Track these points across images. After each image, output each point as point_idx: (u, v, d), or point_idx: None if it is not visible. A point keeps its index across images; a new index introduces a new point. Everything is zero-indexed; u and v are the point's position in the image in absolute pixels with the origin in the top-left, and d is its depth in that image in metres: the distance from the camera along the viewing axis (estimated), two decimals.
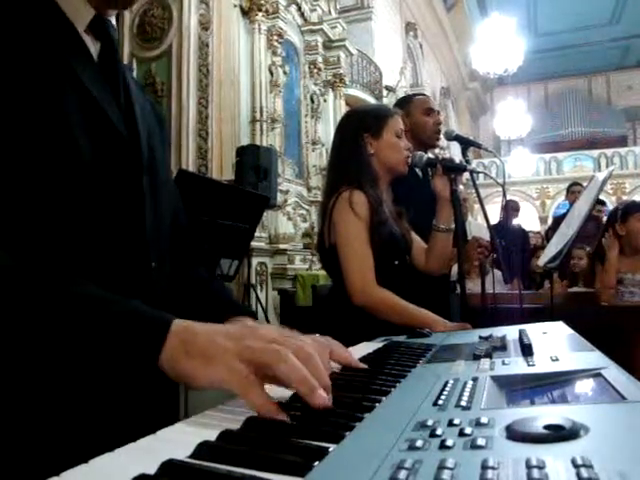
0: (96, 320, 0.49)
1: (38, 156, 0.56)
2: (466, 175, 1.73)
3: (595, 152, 17.92)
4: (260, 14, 6.51)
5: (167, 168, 0.84)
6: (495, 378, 0.55)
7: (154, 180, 0.72)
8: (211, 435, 0.41)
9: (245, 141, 6.14)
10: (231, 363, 0.46)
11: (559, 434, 0.34)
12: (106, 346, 0.49)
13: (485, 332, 0.96)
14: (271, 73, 6.74)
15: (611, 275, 2.83)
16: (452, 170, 1.58)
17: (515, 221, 5.90)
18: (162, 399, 0.66)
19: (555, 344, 0.76)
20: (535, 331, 0.88)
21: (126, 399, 0.60)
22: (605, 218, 3.97)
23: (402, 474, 0.30)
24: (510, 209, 5.57)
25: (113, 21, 0.72)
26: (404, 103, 2.21)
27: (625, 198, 15.65)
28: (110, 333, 0.49)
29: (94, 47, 0.67)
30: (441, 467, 0.31)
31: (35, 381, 0.53)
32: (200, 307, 0.80)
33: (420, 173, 2.08)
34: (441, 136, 2.19)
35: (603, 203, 5.63)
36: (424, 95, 2.33)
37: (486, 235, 1.80)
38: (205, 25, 5.74)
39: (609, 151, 17.72)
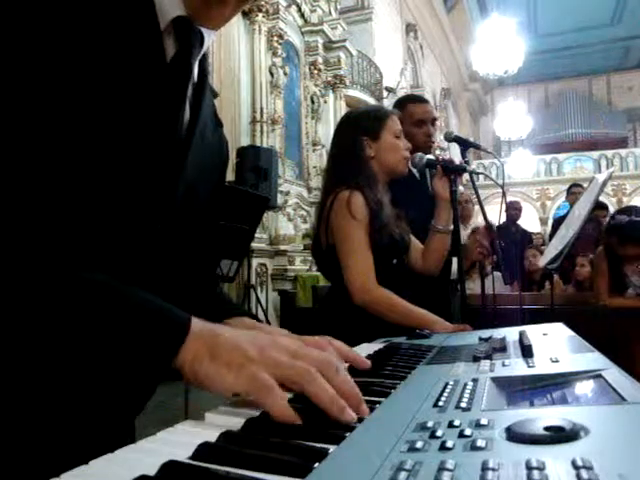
0: (112, 313, 0.48)
1: (74, 144, 0.51)
2: (466, 176, 1.74)
3: (595, 153, 17.94)
4: (260, 15, 6.53)
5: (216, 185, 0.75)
6: (495, 379, 0.55)
7: (193, 192, 0.64)
8: (211, 436, 0.41)
9: (245, 142, 6.16)
10: (254, 373, 0.46)
11: (559, 435, 0.34)
12: (119, 342, 0.47)
13: (485, 333, 0.95)
14: (271, 74, 6.75)
15: (602, 288, 2.87)
16: (452, 171, 1.58)
17: (518, 221, 5.89)
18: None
19: (555, 345, 0.76)
20: (535, 332, 0.88)
21: (126, 400, 0.60)
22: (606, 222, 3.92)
23: (402, 475, 0.30)
24: (512, 210, 5.56)
25: (209, 37, 0.62)
26: (399, 107, 2.17)
27: (625, 200, 15.68)
28: (125, 328, 0.47)
29: (172, 49, 0.58)
30: (441, 468, 0.31)
31: (38, 379, 0.53)
32: (200, 306, 0.79)
33: (417, 174, 2.07)
34: (434, 146, 2.16)
35: (605, 207, 5.52)
36: (420, 101, 2.22)
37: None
38: None
39: (609, 152, 17.73)
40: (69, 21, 0.49)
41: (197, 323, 0.49)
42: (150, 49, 0.55)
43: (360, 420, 0.45)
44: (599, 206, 4.45)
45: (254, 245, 5.33)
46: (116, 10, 0.52)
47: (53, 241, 0.50)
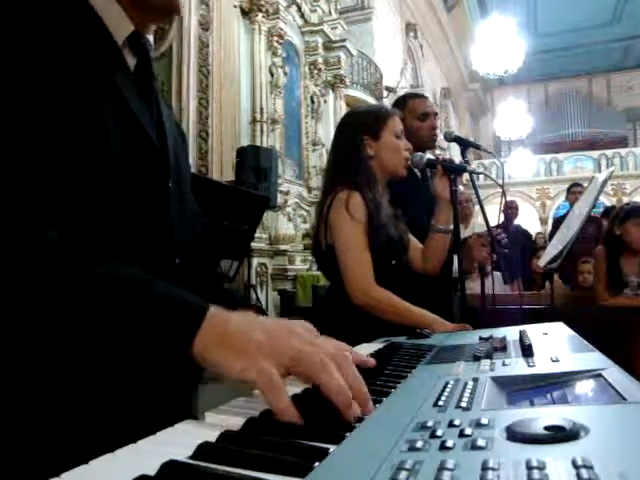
0: (129, 302, 0.49)
1: (72, 157, 0.57)
2: (466, 176, 1.74)
3: (595, 153, 17.93)
4: (260, 15, 6.52)
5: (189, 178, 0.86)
6: (495, 379, 0.55)
7: (180, 186, 0.75)
8: (211, 436, 0.41)
9: (245, 142, 6.15)
10: (262, 363, 0.46)
11: (559, 435, 0.34)
12: (137, 330, 0.48)
13: (485, 333, 0.95)
14: (271, 74, 6.75)
15: (602, 287, 2.87)
16: (452, 171, 1.58)
17: (516, 221, 5.90)
18: (169, 400, 0.66)
19: (555, 345, 0.76)
20: (535, 332, 0.88)
21: (128, 399, 0.60)
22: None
23: (402, 475, 0.30)
24: (509, 210, 5.57)
25: (150, 38, 0.75)
26: (400, 105, 2.17)
27: (625, 199, 15.64)
28: (143, 316, 0.49)
29: (131, 61, 0.70)
30: (441, 468, 0.31)
31: (39, 378, 0.53)
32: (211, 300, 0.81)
33: (419, 174, 2.07)
34: (438, 139, 2.17)
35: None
36: (421, 97, 2.25)
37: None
38: (205, 26, 5.73)
39: (609, 152, 17.72)
40: (33, 53, 0.57)
41: (213, 312, 0.50)
42: (114, 62, 0.66)
43: (360, 420, 0.45)
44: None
45: (254, 245, 5.33)
46: (73, 37, 0.61)
47: (62, 237, 0.53)
